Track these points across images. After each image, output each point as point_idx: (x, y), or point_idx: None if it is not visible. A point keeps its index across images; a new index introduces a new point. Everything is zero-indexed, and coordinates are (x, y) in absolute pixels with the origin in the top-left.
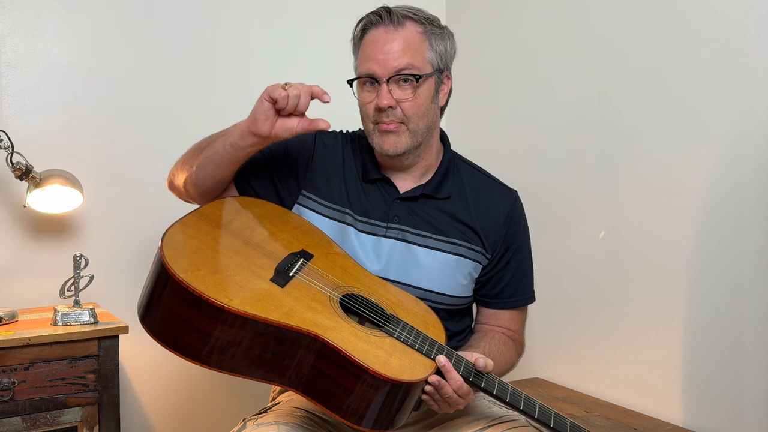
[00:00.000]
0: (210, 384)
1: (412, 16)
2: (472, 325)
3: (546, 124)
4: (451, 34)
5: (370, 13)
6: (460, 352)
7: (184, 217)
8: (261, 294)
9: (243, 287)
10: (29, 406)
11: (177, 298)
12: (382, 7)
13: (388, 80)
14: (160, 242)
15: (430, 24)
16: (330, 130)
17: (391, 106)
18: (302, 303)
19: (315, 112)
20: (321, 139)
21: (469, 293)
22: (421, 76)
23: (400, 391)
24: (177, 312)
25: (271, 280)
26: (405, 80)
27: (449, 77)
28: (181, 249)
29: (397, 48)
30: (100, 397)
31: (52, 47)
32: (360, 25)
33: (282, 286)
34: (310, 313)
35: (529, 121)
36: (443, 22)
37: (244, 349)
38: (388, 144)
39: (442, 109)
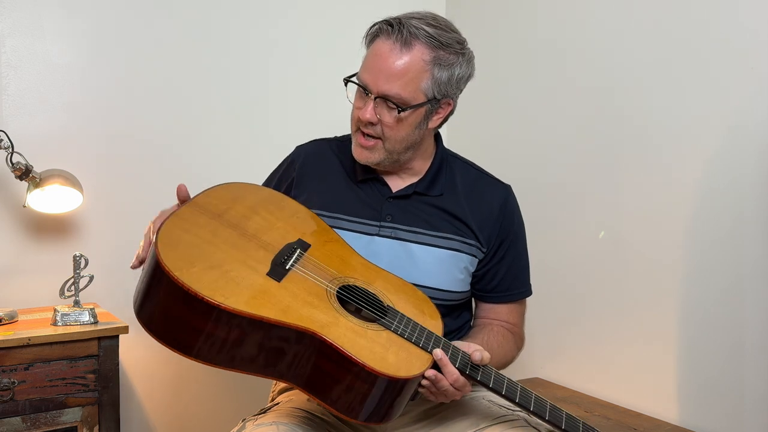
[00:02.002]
0: (210, 384)
1: (423, 38)
2: (471, 321)
3: (545, 123)
4: (468, 60)
5: (385, 21)
6: (456, 343)
7: (179, 209)
8: (257, 290)
9: (239, 284)
10: (29, 406)
11: (172, 296)
12: (398, 18)
13: (376, 97)
14: (154, 237)
15: (442, 50)
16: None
17: (372, 122)
18: (299, 298)
19: (318, 111)
20: (301, 151)
21: (466, 288)
22: (405, 109)
23: (395, 387)
24: (172, 310)
25: (267, 274)
26: (391, 105)
27: (450, 103)
28: (175, 245)
29: (393, 71)
30: (100, 397)
31: (52, 47)
32: (373, 29)
33: (278, 280)
34: (307, 309)
35: (528, 120)
36: None
37: (240, 346)
38: (360, 155)
39: (437, 127)
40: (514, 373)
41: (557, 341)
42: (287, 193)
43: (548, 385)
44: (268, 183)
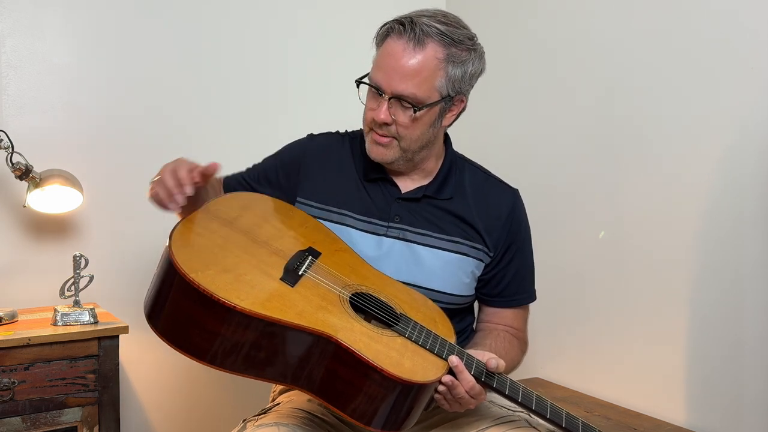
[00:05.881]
0: (210, 384)
1: (436, 36)
2: (474, 324)
3: (546, 123)
4: (480, 56)
5: (396, 20)
6: (470, 351)
7: (191, 215)
8: (272, 294)
9: (254, 287)
10: (29, 406)
11: (187, 298)
12: (409, 17)
13: (390, 98)
14: (168, 241)
15: (455, 47)
16: (331, 131)
17: (386, 123)
18: (313, 303)
19: (322, 111)
20: (313, 141)
21: (472, 291)
22: (420, 108)
23: (412, 391)
24: (187, 312)
25: (281, 279)
26: (405, 105)
27: (463, 100)
28: (189, 247)
29: (407, 70)
30: (100, 397)
31: (52, 47)
32: (384, 28)
33: (292, 285)
34: (322, 313)
35: (528, 121)
36: None
37: (253, 349)
38: (375, 153)
39: (450, 124)
40: (515, 372)
41: (557, 341)
42: (288, 179)
43: (548, 385)
44: (270, 160)
